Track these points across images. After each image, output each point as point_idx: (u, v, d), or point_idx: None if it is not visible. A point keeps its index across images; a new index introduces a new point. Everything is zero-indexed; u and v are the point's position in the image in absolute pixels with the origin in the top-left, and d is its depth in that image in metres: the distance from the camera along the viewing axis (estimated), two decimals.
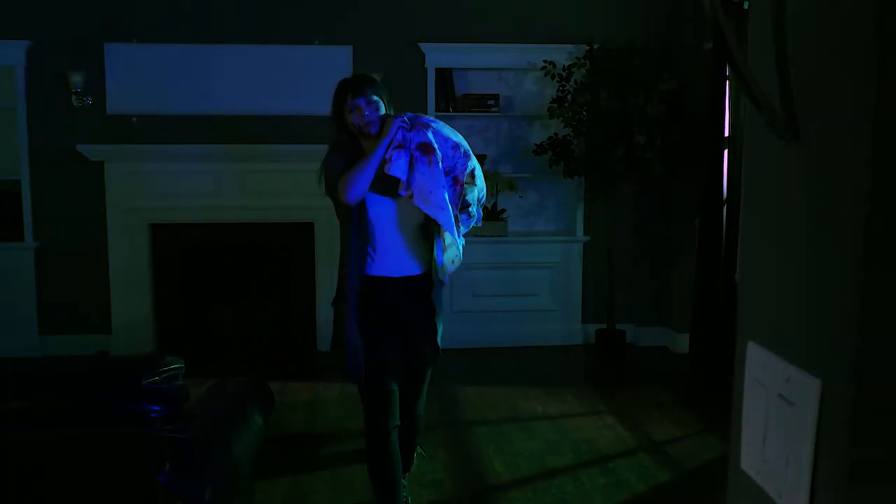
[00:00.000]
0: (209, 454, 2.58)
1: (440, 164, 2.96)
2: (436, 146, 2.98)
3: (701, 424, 4.69)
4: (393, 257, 3.09)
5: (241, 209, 6.08)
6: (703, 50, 5.69)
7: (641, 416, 4.80)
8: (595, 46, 5.91)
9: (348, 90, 3.04)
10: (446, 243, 3.13)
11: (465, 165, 3.06)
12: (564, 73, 5.91)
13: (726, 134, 5.35)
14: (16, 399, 2.29)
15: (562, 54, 6.07)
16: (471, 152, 3.12)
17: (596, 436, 4.47)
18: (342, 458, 4.20)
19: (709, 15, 0.82)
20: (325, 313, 6.25)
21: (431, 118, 3.15)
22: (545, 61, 5.99)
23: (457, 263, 3.21)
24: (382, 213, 3.05)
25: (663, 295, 6.39)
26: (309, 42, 6.03)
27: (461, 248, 3.17)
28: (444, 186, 2.96)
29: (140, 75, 5.96)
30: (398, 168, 2.93)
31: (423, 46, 6.08)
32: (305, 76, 6.02)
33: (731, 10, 5.25)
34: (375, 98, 3.03)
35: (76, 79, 5.79)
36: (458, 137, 3.11)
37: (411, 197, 2.93)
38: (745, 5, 5.25)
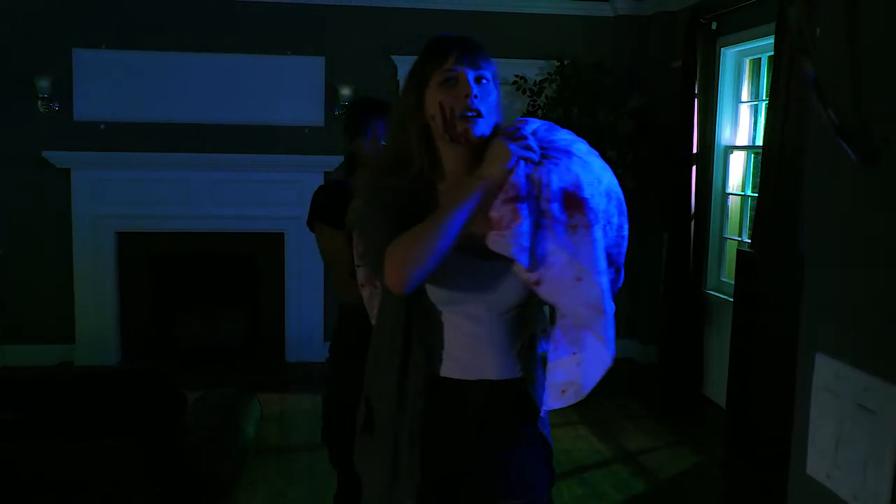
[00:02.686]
0: (203, 464, 2.56)
1: (598, 231, 1.60)
2: (586, 198, 1.59)
3: (672, 436, 4.78)
4: (466, 351, 1.73)
5: (210, 218, 6.02)
6: (672, 68, 5.82)
7: (614, 428, 4.87)
8: (565, 62, 5.99)
9: (452, 48, 1.70)
10: (560, 358, 1.74)
11: (623, 232, 1.73)
12: (535, 88, 5.97)
13: (694, 150, 5.47)
14: (9, 411, 2.25)
15: (532, 69, 6.13)
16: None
17: (571, 447, 4.52)
18: (318, 469, 4.18)
19: (794, 30, 0.87)
20: (294, 325, 6.21)
21: (566, 131, 1.79)
22: (516, 76, 6.04)
23: (572, 392, 1.74)
24: (453, 289, 1.70)
25: (631, 308, 6.48)
26: (281, 52, 6.01)
27: (609, 359, 1.75)
28: (604, 271, 1.63)
29: (109, 82, 5.86)
30: (519, 245, 1.54)
31: (396, 59, 6.10)
32: (276, 86, 5.97)
33: (702, 32, 5.38)
34: (489, 75, 1.72)
35: (43, 84, 5.67)
36: (609, 172, 1.73)
37: (538, 283, 1.60)
38: (713, 25, 5.38)
